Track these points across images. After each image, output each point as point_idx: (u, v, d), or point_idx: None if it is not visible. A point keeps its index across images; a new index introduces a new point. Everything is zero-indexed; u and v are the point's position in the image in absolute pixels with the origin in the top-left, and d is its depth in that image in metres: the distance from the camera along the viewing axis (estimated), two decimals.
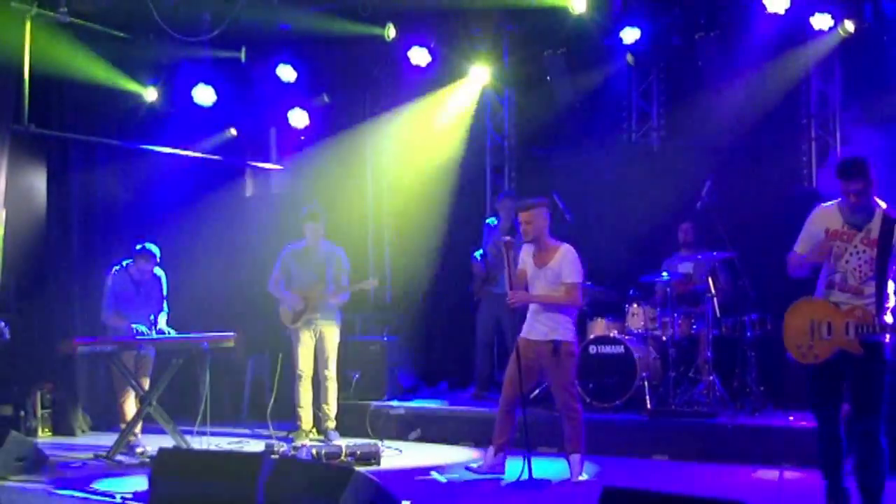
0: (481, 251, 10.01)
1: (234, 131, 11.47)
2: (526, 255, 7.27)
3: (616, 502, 4.16)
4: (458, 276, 10.58)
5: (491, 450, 7.31)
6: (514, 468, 7.22)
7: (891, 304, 5.65)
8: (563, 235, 9.31)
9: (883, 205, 5.68)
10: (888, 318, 5.58)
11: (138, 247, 8.82)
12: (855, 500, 5.83)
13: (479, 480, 7.30)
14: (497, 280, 9.64)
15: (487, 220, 10.20)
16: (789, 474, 7.19)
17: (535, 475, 7.07)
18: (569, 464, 7.12)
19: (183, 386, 9.53)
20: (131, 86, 10.38)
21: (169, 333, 8.78)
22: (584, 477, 7.03)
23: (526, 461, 7.02)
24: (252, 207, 12.10)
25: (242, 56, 10.15)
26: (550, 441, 7.97)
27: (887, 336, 5.64)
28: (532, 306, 7.17)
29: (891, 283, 5.65)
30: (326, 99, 11.09)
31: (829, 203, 5.82)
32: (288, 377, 9.46)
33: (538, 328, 7.07)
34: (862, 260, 5.61)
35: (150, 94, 10.52)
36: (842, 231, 5.68)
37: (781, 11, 8.63)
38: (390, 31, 9.88)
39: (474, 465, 7.42)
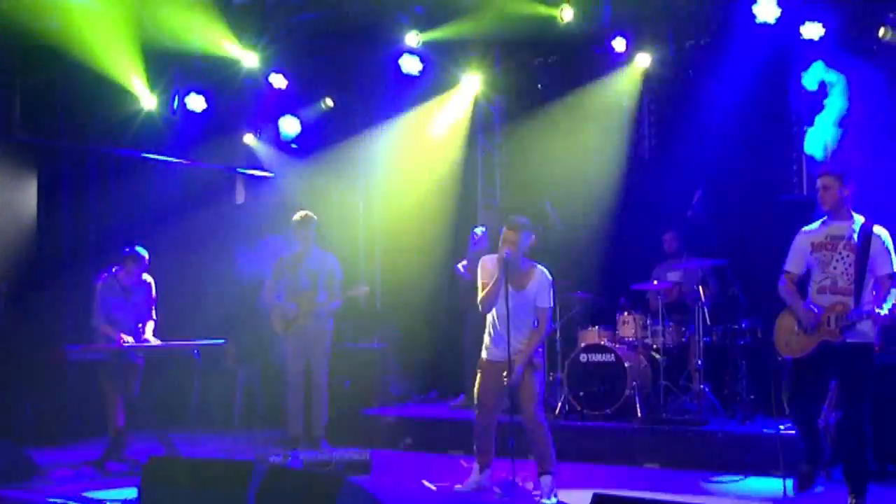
0: (466, 261, 10.02)
1: (253, 138, 11.51)
2: (492, 267, 7.07)
3: None
4: (449, 284, 10.59)
5: (476, 468, 7.28)
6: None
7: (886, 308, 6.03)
8: (553, 244, 9.37)
9: (860, 218, 6.28)
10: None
11: (127, 250, 8.80)
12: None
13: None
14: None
15: (475, 230, 10.14)
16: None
17: (519, 484, 7.03)
18: (539, 485, 6.97)
19: (173, 393, 9.52)
20: (123, 94, 10.37)
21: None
22: (552, 500, 6.83)
23: (511, 468, 6.99)
24: (243, 215, 12.10)
25: (239, 64, 10.13)
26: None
27: (868, 333, 6.17)
28: (497, 327, 7.08)
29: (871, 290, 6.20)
30: (330, 102, 11.06)
31: (812, 225, 6.47)
32: (278, 385, 9.45)
33: (505, 349, 6.93)
34: (847, 263, 6.17)
35: (149, 101, 10.48)
36: (826, 242, 6.29)
37: (772, 21, 8.66)
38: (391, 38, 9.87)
39: (460, 486, 7.39)
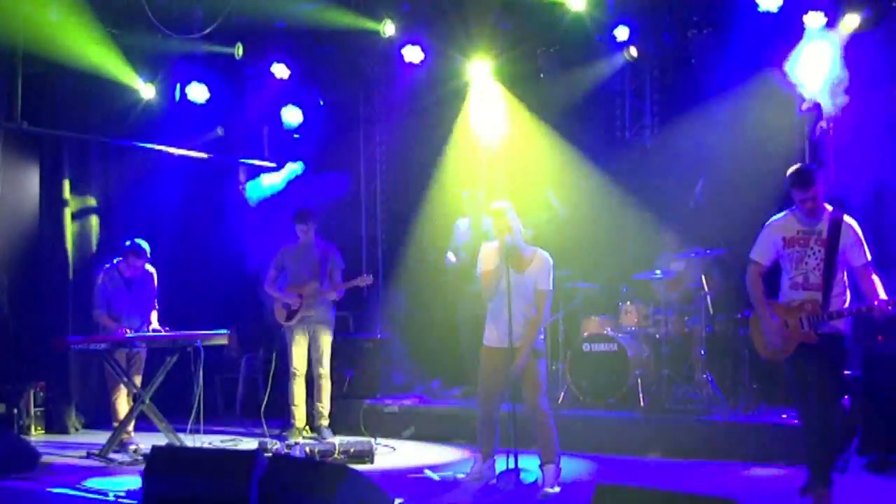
0: (451, 252, 9.99)
1: (220, 131, 11.43)
2: (493, 254, 7.09)
3: (609, 499, 4.17)
4: (442, 275, 10.54)
5: (479, 457, 7.28)
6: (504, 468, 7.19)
7: (847, 295, 6.21)
8: (556, 232, 9.36)
9: (829, 208, 6.26)
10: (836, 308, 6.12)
11: (128, 243, 8.81)
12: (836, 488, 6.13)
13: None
14: (474, 279, 9.64)
15: (459, 221, 10.13)
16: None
17: (522, 474, 7.02)
18: (542, 474, 6.97)
19: (176, 384, 9.53)
20: (124, 83, 10.34)
21: (160, 332, 8.77)
22: (555, 490, 6.85)
23: (513, 458, 6.97)
24: (245, 204, 12.08)
25: (237, 52, 10.09)
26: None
27: (841, 325, 6.16)
28: (498, 313, 7.04)
29: (845, 277, 6.22)
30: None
31: (781, 214, 6.44)
32: (282, 375, 9.45)
33: (506, 333, 6.95)
34: (818, 258, 6.16)
35: (147, 92, 10.42)
36: (797, 237, 6.25)
37: (774, 9, 8.64)
38: (387, 28, 9.85)
39: (462, 475, 7.40)
